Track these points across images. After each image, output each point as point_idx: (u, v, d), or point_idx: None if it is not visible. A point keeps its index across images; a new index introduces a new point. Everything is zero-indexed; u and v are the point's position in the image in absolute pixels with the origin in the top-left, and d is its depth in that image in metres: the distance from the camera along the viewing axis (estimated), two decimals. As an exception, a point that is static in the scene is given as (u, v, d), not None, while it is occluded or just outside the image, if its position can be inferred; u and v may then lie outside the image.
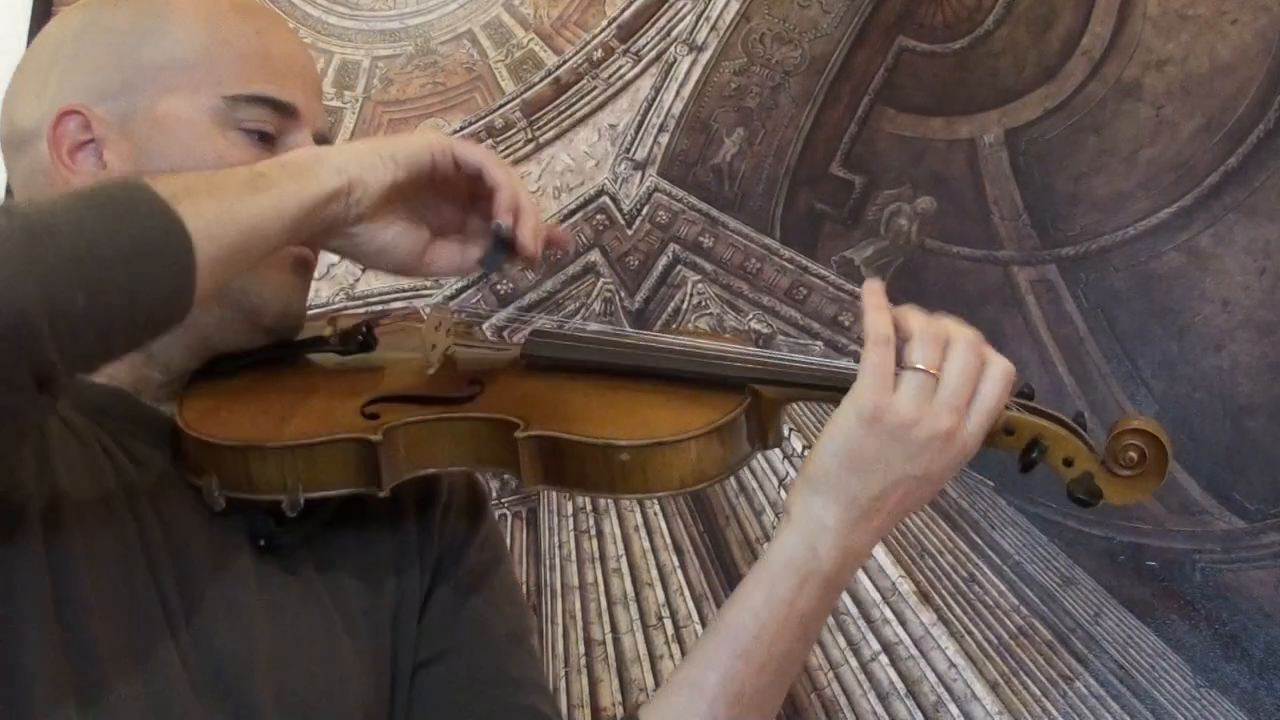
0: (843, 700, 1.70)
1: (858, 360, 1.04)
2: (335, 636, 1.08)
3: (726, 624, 1.06)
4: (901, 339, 1.02)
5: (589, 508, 1.87)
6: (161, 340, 1.06)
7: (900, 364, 1.02)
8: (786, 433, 1.75)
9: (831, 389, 1.06)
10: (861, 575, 1.72)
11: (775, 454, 1.78)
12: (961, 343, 1.02)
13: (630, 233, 1.93)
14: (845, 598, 1.72)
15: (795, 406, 1.75)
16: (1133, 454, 1.05)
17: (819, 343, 1.82)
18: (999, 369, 1.03)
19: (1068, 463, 1.06)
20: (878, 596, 1.71)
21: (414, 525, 1.16)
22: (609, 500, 1.82)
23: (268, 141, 1.08)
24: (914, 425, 1.00)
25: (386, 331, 1.15)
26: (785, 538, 1.05)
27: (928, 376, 1.01)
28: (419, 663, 1.13)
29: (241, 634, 1.03)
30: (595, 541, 1.86)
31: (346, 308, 2.01)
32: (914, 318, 1.03)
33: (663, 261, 1.91)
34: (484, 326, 1.69)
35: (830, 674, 1.70)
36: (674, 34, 1.95)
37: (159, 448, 1.07)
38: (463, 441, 1.05)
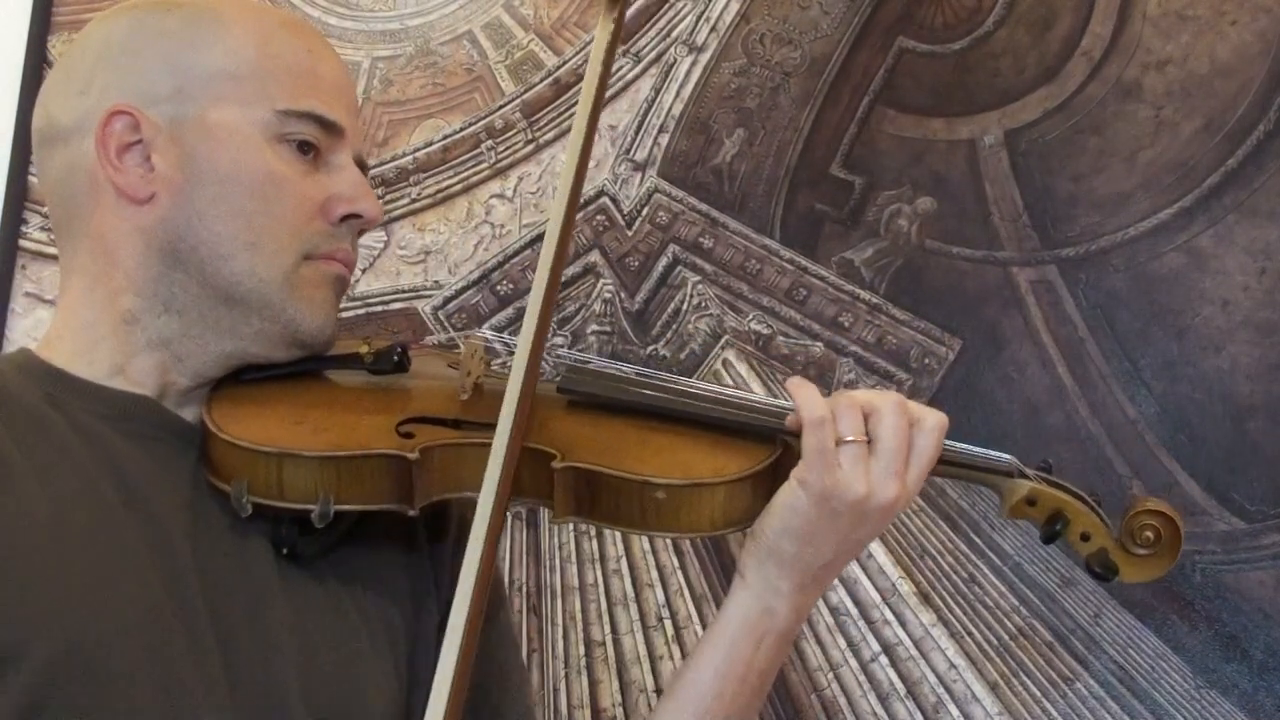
0: (842, 701, 1.70)
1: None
2: (360, 646, 1.07)
3: (688, 684, 1.10)
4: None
5: (589, 508, 1.86)
6: (193, 346, 1.07)
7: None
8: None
9: None
10: (861, 576, 1.72)
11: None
12: (888, 408, 1.06)
13: (630, 234, 1.93)
14: (845, 598, 1.72)
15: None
16: (1149, 534, 1.08)
17: (819, 344, 1.82)
18: (933, 421, 1.08)
19: (1085, 537, 1.09)
20: (878, 597, 1.71)
21: (426, 549, 1.16)
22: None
23: (312, 154, 1.09)
24: (864, 500, 1.05)
25: (417, 355, 1.16)
26: (741, 599, 1.10)
27: (860, 445, 1.05)
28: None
29: (269, 641, 1.02)
30: (595, 542, 1.85)
31: (346, 308, 2.01)
32: (832, 396, 1.08)
33: (663, 262, 1.91)
34: (483, 328, 1.69)
35: (830, 675, 1.70)
36: (674, 35, 1.95)
37: (183, 453, 1.07)
38: None
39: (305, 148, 1.08)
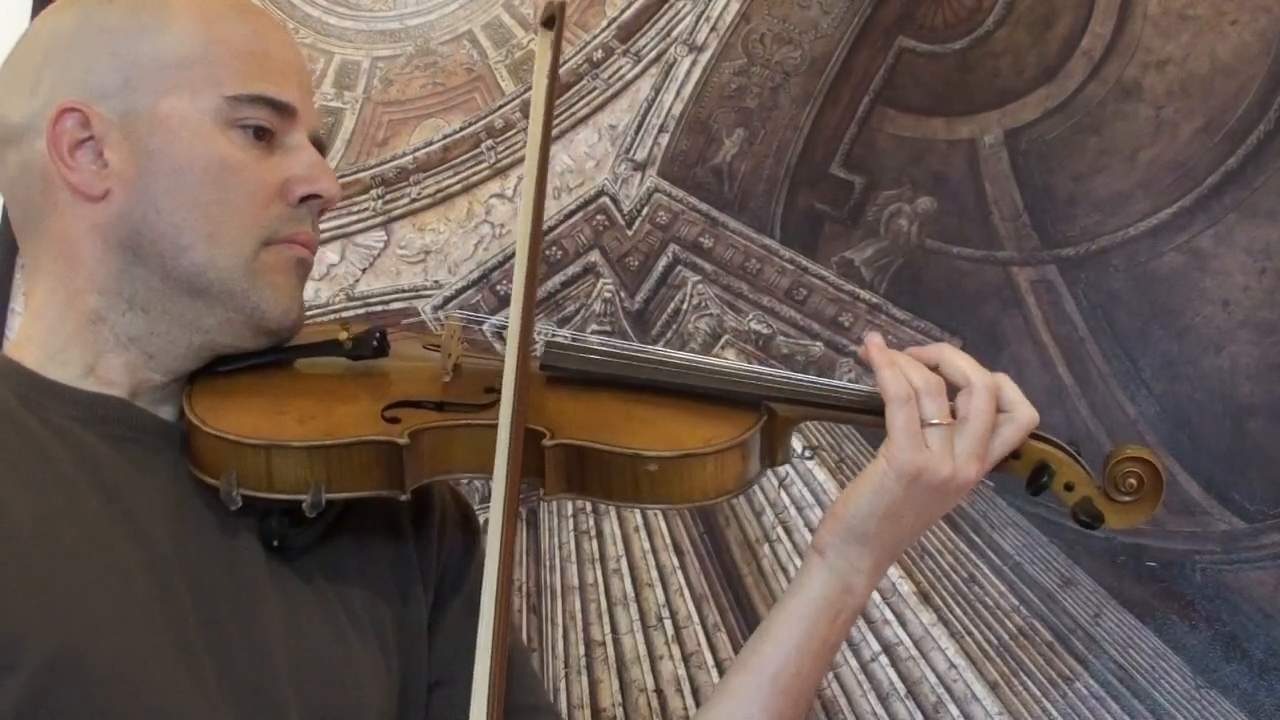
0: (843, 701, 1.70)
1: (860, 383, 1.11)
2: (349, 642, 1.07)
3: (767, 660, 1.11)
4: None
5: (589, 509, 1.87)
6: (161, 341, 1.07)
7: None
8: (804, 451, 1.75)
9: (841, 409, 1.12)
10: (861, 576, 1.72)
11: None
12: (980, 386, 1.07)
13: (630, 233, 1.93)
14: (845, 598, 1.72)
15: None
16: (1132, 480, 1.10)
17: (819, 343, 1.82)
18: (1025, 417, 1.09)
19: (1069, 487, 1.11)
20: (878, 597, 1.71)
21: (411, 538, 1.15)
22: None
23: (266, 138, 1.08)
24: (950, 480, 1.06)
25: (396, 338, 1.15)
26: (821, 577, 1.10)
27: (946, 428, 1.07)
28: (432, 683, 1.13)
29: (260, 639, 1.02)
30: (595, 542, 1.85)
31: (346, 308, 2.01)
32: (913, 371, 1.08)
33: (663, 262, 1.91)
34: (484, 327, 1.69)
35: (830, 675, 1.70)
36: (674, 34, 1.95)
37: (161, 451, 1.06)
38: (485, 448, 1.04)
39: (260, 133, 1.07)
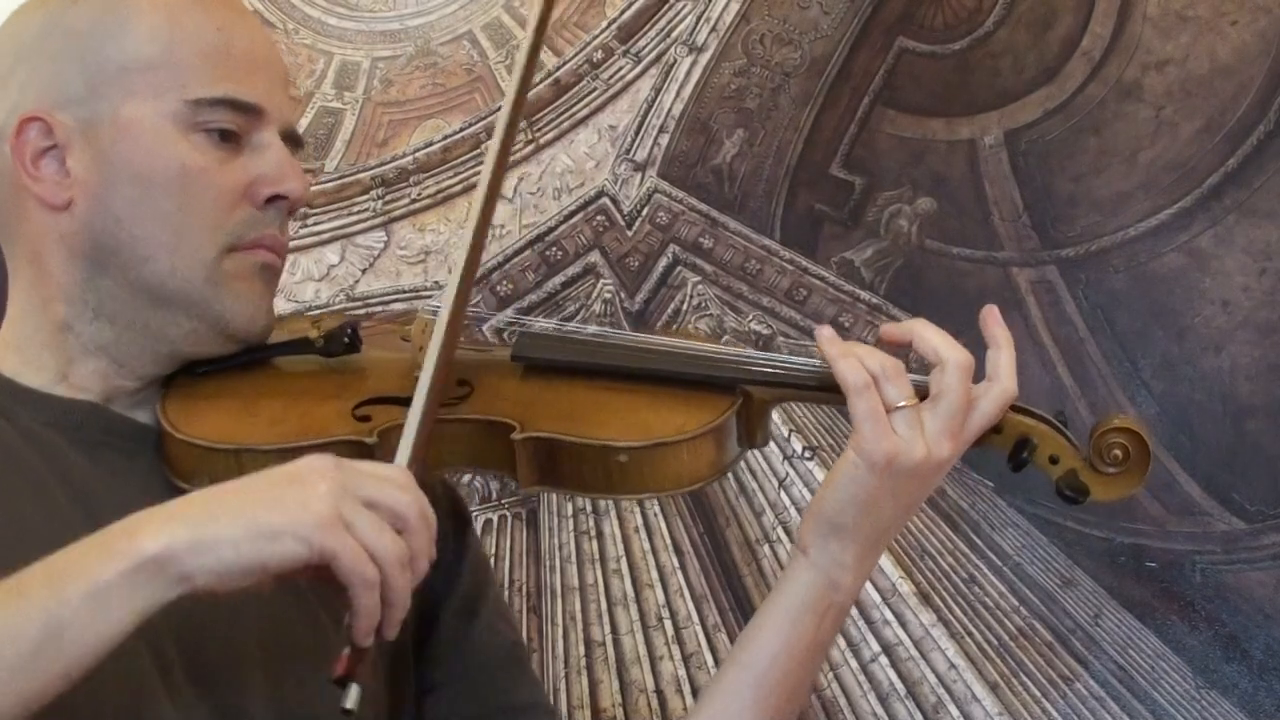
0: (843, 701, 1.70)
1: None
2: (328, 643, 1.06)
3: (755, 662, 1.09)
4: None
5: (589, 509, 1.87)
6: (129, 349, 1.06)
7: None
8: (786, 434, 1.75)
9: (819, 389, 1.08)
10: (861, 576, 1.72)
11: (775, 456, 1.78)
12: (953, 363, 1.03)
13: (630, 234, 1.93)
14: (845, 599, 1.72)
15: (796, 406, 1.75)
16: (1118, 451, 1.06)
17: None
18: (1000, 389, 1.05)
19: (1053, 460, 1.07)
20: (878, 597, 1.71)
21: None
22: (606, 500, 1.82)
23: (232, 140, 1.06)
24: (924, 462, 1.03)
25: (368, 333, 1.14)
26: (805, 576, 1.07)
27: (912, 410, 1.03)
28: (424, 688, 1.13)
29: (235, 639, 1.01)
30: (595, 543, 1.85)
31: (347, 308, 2.01)
32: (869, 358, 1.04)
33: (663, 263, 1.91)
34: (484, 328, 1.69)
35: (830, 675, 1.70)
36: (674, 35, 1.95)
37: (137, 456, 1.05)
38: (457, 443, 1.04)
39: (224, 135, 1.05)
